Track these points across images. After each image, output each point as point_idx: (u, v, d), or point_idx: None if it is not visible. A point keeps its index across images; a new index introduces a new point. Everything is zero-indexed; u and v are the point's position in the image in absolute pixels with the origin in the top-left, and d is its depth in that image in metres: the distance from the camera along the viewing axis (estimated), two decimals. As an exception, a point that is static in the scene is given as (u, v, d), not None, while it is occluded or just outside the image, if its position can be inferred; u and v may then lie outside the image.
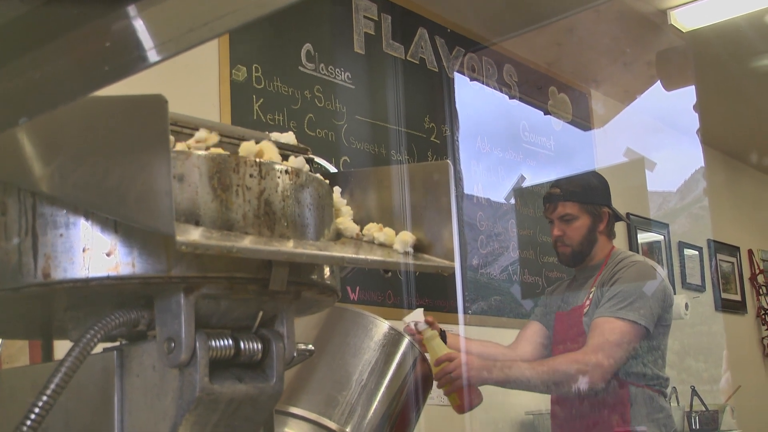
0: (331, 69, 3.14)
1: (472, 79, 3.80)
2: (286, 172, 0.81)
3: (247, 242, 0.73)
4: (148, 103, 0.64)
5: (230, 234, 0.75)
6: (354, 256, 0.80)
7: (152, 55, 0.54)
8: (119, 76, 0.55)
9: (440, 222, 0.92)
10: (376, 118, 3.27)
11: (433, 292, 2.94)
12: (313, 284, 0.83)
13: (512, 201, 3.80)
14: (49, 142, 0.72)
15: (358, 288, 3.07)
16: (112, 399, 0.79)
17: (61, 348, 0.79)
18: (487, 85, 3.86)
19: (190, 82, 2.67)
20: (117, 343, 0.83)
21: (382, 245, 0.91)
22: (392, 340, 1.54)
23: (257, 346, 0.79)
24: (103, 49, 0.54)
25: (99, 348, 0.80)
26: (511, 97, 4.03)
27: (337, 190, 0.96)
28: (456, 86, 3.66)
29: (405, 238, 0.89)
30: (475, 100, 3.83)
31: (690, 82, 4.56)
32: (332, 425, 1.42)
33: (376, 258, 0.83)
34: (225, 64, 2.78)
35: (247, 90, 2.84)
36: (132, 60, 0.54)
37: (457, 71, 3.70)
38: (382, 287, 3.14)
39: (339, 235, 0.91)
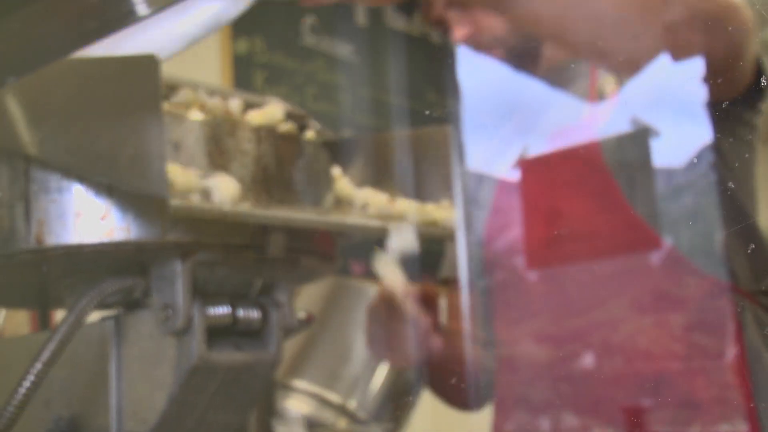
0: (334, 42, 3.12)
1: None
2: (284, 137, 0.80)
3: (242, 207, 0.72)
4: (139, 63, 0.63)
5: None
6: (351, 222, 0.79)
7: (142, 9, 0.52)
8: (108, 31, 0.54)
9: (441, 189, 0.91)
10: (379, 91, 3.25)
11: (439, 265, 2.92)
12: (311, 251, 0.81)
13: (517, 174, 3.77)
14: (39, 105, 0.70)
15: (362, 261, 3.06)
16: (109, 369, 0.78)
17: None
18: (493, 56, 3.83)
19: (191, 57, 2.64)
20: (114, 312, 0.82)
21: (382, 213, 0.90)
22: (396, 313, 1.53)
23: (256, 313, 0.78)
24: (90, 4, 0.53)
25: (97, 317, 0.79)
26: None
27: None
28: (459, 58, 3.63)
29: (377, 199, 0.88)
30: (479, 72, 3.80)
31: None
32: (335, 399, 1.42)
33: (374, 224, 0.81)
34: (227, 38, 2.75)
35: (249, 64, 2.82)
36: (121, 14, 0.52)
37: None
38: (387, 261, 3.13)
39: (339, 202, 0.89)
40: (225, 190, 0.69)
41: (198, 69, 2.72)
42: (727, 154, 1.23)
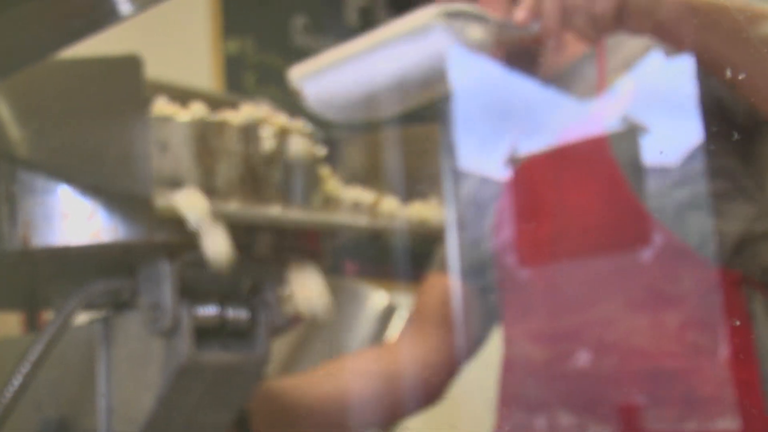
0: (325, 42, 3.12)
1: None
2: (272, 136, 0.80)
3: (230, 207, 0.72)
4: (122, 64, 0.63)
5: (214, 199, 0.73)
6: (339, 221, 0.79)
7: (126, 9, 0.52)
8: (92, 30, 0.53)
9: (430, 187, 0.91)
10: (371, 91, 3.25)
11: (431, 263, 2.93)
12: (300, 251, 0.81)
13: (508, 172, 3.76)
14: (24, 105, 0.70)
15: (355, 260, 3.06)
16: (98, 370, 0.78)
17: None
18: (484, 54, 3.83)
19: (181, 58, 2.64)
20: (103, 314, 0.82)
21: (371, 212, 0.90)
22: (389, 312, 1.53)
23: (244, 314, 0.78)
24: (74, 4, 0.52)
25: (85, 319, 0.79)
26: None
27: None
28: (451, 56, 3.63)
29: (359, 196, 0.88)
30: (470, 70, 3.80)
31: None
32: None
33: (362, 224, 0.81)
34: (217, 38, 2.75)
35: (240, 64, 2.81)
36: (104, 14, 0.52)
37: (453, 43, 3.67)
38: (380, 258, 3.13)
39: (328, 202, 0.89)
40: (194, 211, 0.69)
41: (188, 70, 2.72)
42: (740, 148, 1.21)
